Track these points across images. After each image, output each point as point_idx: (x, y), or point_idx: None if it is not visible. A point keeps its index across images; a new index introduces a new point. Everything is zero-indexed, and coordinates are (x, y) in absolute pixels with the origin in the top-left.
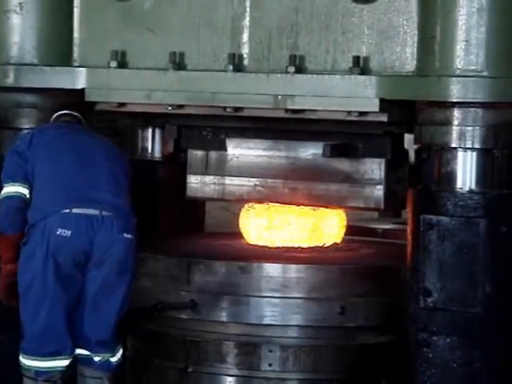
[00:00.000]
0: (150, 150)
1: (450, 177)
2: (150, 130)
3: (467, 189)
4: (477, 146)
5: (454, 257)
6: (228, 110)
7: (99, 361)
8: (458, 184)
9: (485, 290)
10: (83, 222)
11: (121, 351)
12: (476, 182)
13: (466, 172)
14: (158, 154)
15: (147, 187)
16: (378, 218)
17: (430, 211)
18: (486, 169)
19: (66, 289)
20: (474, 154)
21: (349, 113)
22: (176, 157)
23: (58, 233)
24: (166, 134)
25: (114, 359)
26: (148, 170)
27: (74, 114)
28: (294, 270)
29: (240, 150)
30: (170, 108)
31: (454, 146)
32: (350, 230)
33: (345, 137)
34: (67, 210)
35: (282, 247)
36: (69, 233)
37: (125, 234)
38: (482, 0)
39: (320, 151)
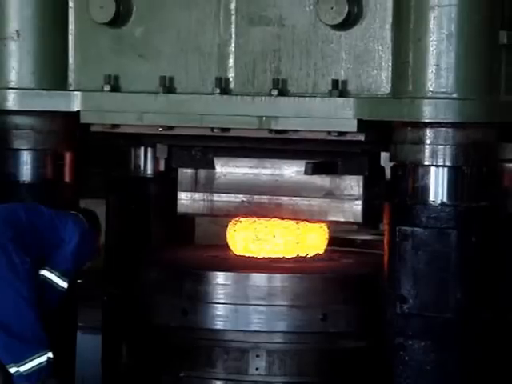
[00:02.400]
0: (142, 168)
1: (424, 191)
2: (142, 149)
3: (439, 202)
4: (448, 163)
5: (427, 265)
6: (215, 130)
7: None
8: (431, 197)
9: (456, 296)
10: None
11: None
12: (447, 196)
13: (438, 186)
14: (150, 171)
15: (140, 203)
16: (357, 230)
17: (405, 223)
18: (456, 184)
19: None
20: (445, 170)
21: (329, 133)
22: (167, 174)
23: None
24: (157, 153)
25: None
26: (141, 187)
27: None
28: (278, 280)
29: (227, 168)
30: (160, 129)
31: (426, 163)
32: (331, 240)
33: (325, 155)
34: None
35: (268, 258)
36: None
37: None
38: (451, 27)
39: (302, 169)
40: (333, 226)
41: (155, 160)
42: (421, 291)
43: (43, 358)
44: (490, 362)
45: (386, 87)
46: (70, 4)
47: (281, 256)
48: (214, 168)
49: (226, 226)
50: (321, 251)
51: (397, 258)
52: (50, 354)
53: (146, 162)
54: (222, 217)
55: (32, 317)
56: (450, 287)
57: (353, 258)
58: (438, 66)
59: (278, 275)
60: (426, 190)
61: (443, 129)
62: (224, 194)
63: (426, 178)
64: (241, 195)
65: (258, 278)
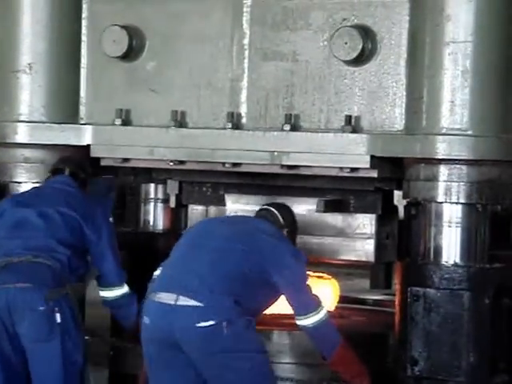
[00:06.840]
0: (151, 223)
1: (436, 250)
2: (151, 205)
3: (452, 262)
4: (462, 200)
5: (439, 327)
6: (226, 165)
7: None
8: (444, 257)
9: (469, 359)
10: None
11: None
12: (460, 257)
13: (450, 247)
14: (159, 226)
15: (148, 258)
16: (368, 290)
17: (417, 283)
18: (469, 244)
19: None
20: (459, 207)
21: (341, 169)
22: (176, 229)
23: None
24: (168, 189)
25: None
26: (150, 242)
27: None
28: (287, 337)
29: (238, 205)
30: (171, 164)
31: (440, 200)
32: (343, 299)
33: (337, 193)
34: None
35: (276, 314)
36: None
37: None
38: (466, 63)
39: (314, 207)
40: (344, 284)
41: (164, 215)
42: (432, 353)
43: None
44: None
45: (399, 123)
46: (83, 38)
47: (289, 312)
48: (224, 205)
49: None
50: (332, 308)
51: (408, 319)
52: None
53: (156, 216)
54: None
55: None
56: (462, 350)
57: (363, 315)
58: (452, 102)
59: (286, 332)
60: (438, 248)
61: (457, 166)
62: None
63: (439, 238)
64: None
65: (266, 335)
